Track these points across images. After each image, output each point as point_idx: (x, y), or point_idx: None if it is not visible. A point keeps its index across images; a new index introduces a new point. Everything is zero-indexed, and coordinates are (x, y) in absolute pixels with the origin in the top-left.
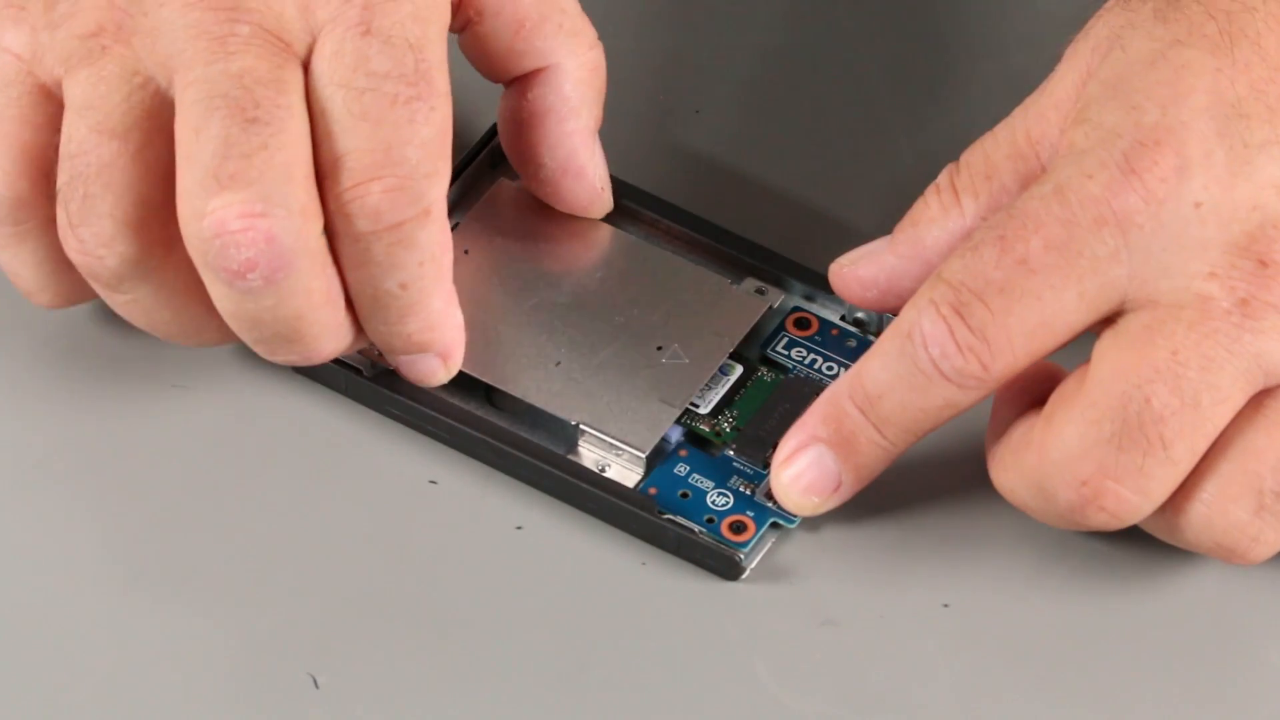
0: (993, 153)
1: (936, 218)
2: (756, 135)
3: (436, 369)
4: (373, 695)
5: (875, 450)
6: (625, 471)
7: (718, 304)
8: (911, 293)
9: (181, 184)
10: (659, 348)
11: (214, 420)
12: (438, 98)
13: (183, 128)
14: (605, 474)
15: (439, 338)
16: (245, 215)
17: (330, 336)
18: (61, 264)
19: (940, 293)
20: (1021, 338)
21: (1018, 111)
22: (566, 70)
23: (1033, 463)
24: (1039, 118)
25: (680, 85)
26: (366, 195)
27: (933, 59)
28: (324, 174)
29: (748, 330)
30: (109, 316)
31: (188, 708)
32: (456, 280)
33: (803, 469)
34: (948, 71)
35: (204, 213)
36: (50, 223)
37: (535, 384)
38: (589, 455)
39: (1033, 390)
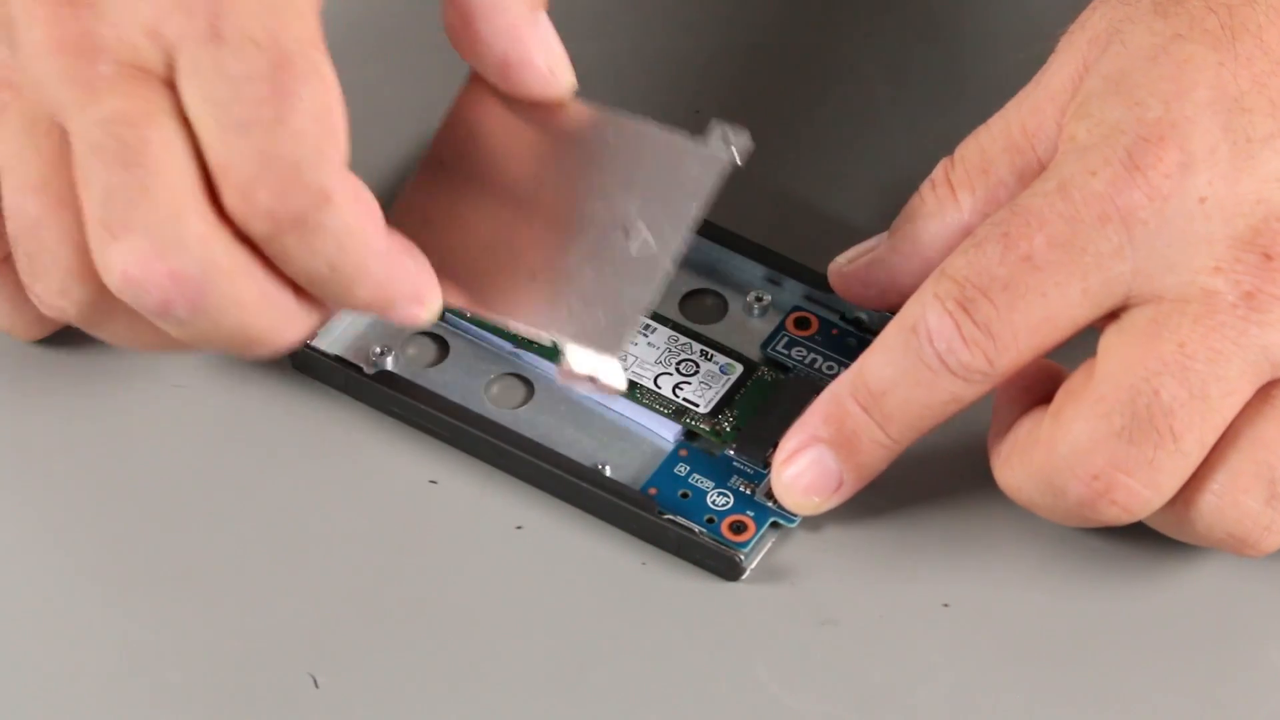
0: (988, 146)
1: (933, 213)
2: (756, 135)
3: (417, 314)
4: (373, 695)
5: (877, 448)
6: (611, 375)
7: (678, 170)
8: (911, 289)
9: (87, 236)
10: (625, 233)
11: (214, 420)
12: (303, 81)
13: (78, 180)
14: (604, 471)
15: (396, 292)
16: (142, 262)
17: (288, 327)
18: (18, 302)
19: (945, 288)
20: (1026, 333)
21: (1012, 104)
22: None
23: (1041, 459)
24: (1034, 110)
25: (680, 85)
26: (255, 203)
27: (931, 57)
28: (216, 187)
29: (706, 195)
30: None
31: (188, 708)
32: (434, 201)
33: (803, 469)
34: (946, 69)
35: (107, 265)
36: None
37: (514, 303)
38: (576, 362)
39: (1035, 390)
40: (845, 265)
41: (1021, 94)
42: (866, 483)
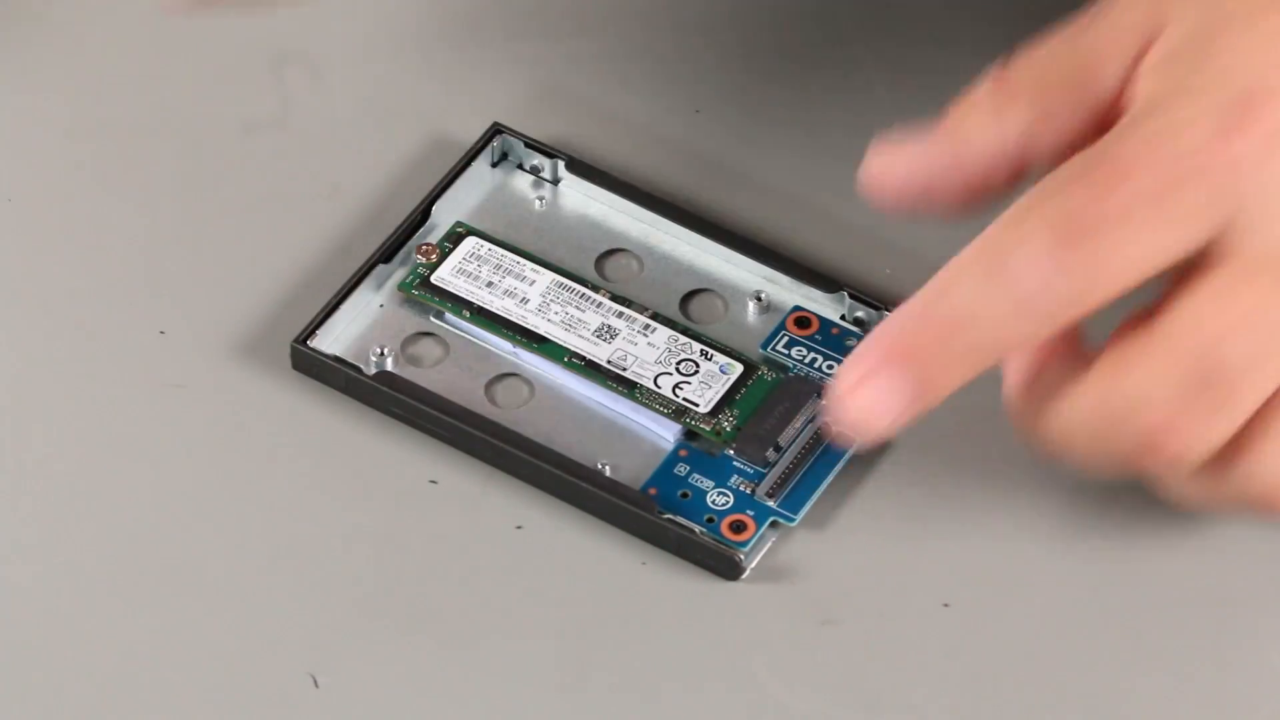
0: (1044, 73)
1: (977, 128)
2: (756, 135)
3: None
4: (373, 695)
5: (947, 378)
6: None
7: None
8: (945, 203)
9: None
10: None
11: (214, 420)
12: None
13: None
14: (604, 471)
15: None
16: None
17: None
18: None
19: (1033, 226)
20: (1108, 279)
21: (1073, 31)
22: None
23: (1094, 403)
24: (1095, 45)
25: (680, 85)
26: None
27: (933, 57)
28: None
29: None
30: (109, 313)
31: (188, 708)
32: None
33: (870, 396)
34: (948, 70)
35: None
36: None
37: None
38: None
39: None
40: (881, 166)
41: (1083, 23)
42: (927, 410)
